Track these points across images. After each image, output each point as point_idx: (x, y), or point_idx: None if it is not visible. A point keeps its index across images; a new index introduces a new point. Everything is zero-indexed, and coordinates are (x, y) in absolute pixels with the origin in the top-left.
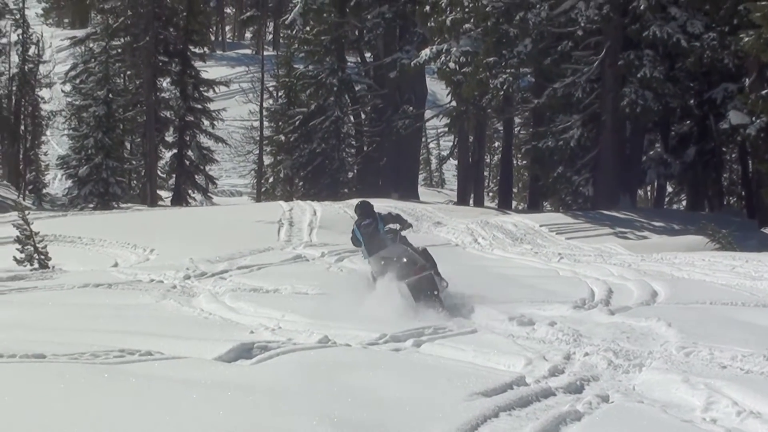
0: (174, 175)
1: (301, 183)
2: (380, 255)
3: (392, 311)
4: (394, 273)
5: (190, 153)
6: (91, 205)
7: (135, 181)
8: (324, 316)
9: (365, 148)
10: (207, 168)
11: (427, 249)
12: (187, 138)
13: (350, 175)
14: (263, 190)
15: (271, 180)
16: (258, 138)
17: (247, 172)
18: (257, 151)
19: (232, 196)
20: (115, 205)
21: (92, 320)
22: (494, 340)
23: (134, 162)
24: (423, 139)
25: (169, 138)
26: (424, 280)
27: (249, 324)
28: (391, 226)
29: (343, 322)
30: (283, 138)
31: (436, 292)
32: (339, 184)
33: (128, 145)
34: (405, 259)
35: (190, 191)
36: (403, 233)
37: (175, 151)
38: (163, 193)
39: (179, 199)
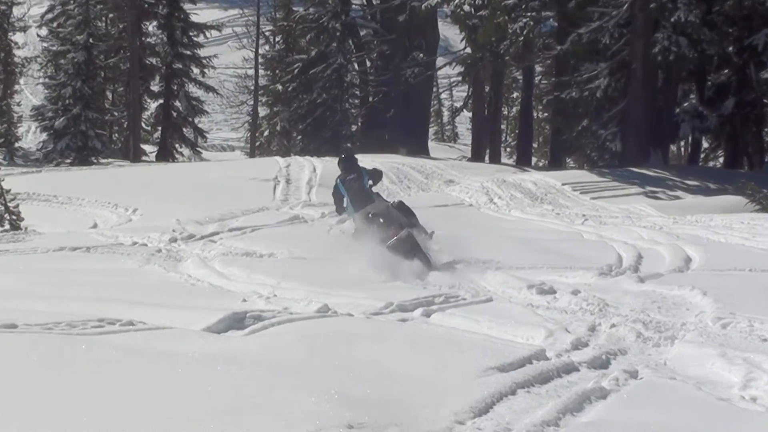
0: (160, 128)
1: (299, 137)
2: (366, 210)
3: (374, 274)
4: (376, 232)
5: (177, 104)
6: (68, 161)
7: (117, 135)
8: (324, 282)
9: (370, 99)
10: (196, 120)
11: (403, 201)
12: (175, 87)
13: (354, 128)
14: (258, 144)
15: (266, 134)
16: (252, 87)
17: (241, 125)
18: (251, 102)
19: (224, 151)
20: (95, 161)
21: (68, 287)
22: (511, 310)
23: (116, 113)
24: (434, 90)
25: (155, 87)
26: (402, 241)
27: (241, 291)
28: (370, 182)
29: (345, 289)
30: (280, 87)
31: (419, 251)
32: (341, 139)
33: (110, 95)
34: (382, 219)
35: (177, 145)
36: (374, 189)
37: (161, 101)
38: (147, 148)
39: (165, 154)
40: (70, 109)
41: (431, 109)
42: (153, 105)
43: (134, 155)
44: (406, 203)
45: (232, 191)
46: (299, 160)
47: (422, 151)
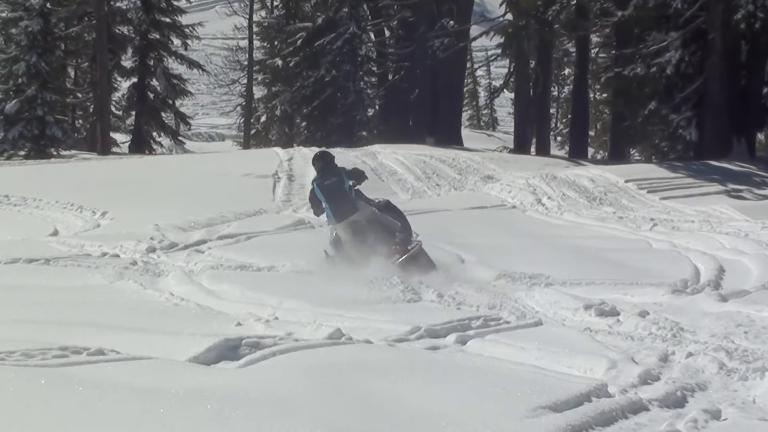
0: (133, 113)
1: (303, 123)
2: (350, 221)
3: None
4: (370, 246)
5: (154, 83)
6: (22, 153)
7: (81, 121)
8: (335, 302)
9: (390, 77)
10: (177, 103)
11: (390, 201)
12: (151, 63)
13: (370, 112)
14: (253, 132)
15: (263, 119)
16: (246, 63)
17: (232, 109)
18: (245, 81)
19: (212, 140)
20: (55, 153)
21: (24, 307)
22: (566, 336)
23: (80, 95)
24: (468, 65)
25: (127, 63)
26: (412, 258)
27: (235, 313)
28: (351, 182)
29: (362, 310)
30: (280, 63)
31: (429, 265)
32: (355, 125)
33: (72, 72)
34: (377, 231)
35: (154, 134)
36: (357, 187)
37: (134, 80)
38: (118, 137)
39: (140, 145)
40: (24, 89)
41: (464, 89)
42: (125, 84)
43: (102, 146)
44: (393, 203)
45: (222, 190)
46: (304, 152)
47: (454, 140)
